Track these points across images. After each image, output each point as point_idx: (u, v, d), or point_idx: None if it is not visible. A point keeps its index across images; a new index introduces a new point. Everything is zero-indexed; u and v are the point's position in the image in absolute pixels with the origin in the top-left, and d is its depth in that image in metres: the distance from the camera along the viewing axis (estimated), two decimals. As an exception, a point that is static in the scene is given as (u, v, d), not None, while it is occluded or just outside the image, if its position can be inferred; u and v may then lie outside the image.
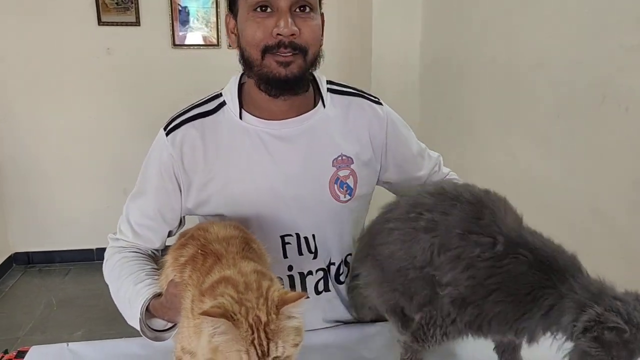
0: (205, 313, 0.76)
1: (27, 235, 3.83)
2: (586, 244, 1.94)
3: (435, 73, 3.21)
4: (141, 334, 1.12)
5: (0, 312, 3.26)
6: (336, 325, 1.32)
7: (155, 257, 1.28)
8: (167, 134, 1.21)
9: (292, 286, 1.26)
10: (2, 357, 1.17)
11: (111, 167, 3.76)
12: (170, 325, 1.12)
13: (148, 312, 1.11)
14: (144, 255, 1.25)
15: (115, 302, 1.19)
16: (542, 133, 2.16)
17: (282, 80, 1.14)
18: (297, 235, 1.24)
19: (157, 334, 1.13)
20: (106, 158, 3.79)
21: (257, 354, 0.76)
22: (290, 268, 1.25)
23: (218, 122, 1.22)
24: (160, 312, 1.09)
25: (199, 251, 0.96)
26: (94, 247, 3.71)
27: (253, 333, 0.76)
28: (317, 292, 1.28)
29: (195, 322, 0.83)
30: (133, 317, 1.11)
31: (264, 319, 0.77)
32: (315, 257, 1.26)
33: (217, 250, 0.94)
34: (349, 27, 3.68)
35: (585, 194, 1.91)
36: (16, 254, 3.84)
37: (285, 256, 1.24)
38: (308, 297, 0.85)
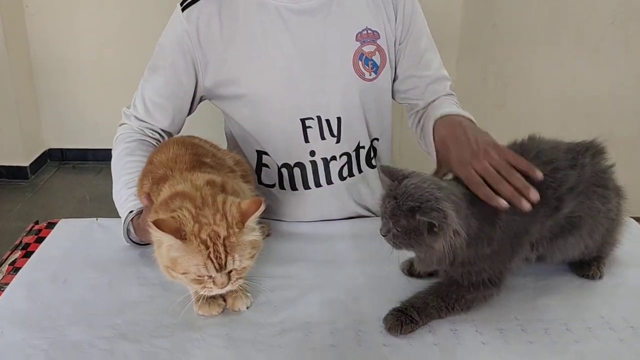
0: (156, 223, 0.78)
1: (62, 133, 3.87)
2: (632, 155, 1.86)
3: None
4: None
5: (36, 204, 3.35)
6: (369, 216, 1.32)
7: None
8: (183, 10, 1.17)
9: (316, 173, 1.24)
10: (33, 227, 1.18)
11: (145, 68, 3.71)
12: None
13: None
14: (146, 146, 1.22)
15: (113, 193, 1.17)
16: (594, 41, 2.03)
17: None
18: (319, 118, 1.20)
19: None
20: (140, 59, 3.71)
21: (215, 266, 0.81)
22: (312, 153, 1.23)
23: None
24: (138, 231, 1.07)
25: (150, 181, 0.97)
26: (126, 146, 3.73)
27: (208, 248, 0.80)
28: (342, 178, 1.27)
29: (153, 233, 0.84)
30: (122, 220, 1.11)
31: (223, 233, 0.80)
32: (338, 142, 1.23)
33: (163, 174, 0.94)
34: None
35: (633, 105, 1.81)
36: (50, 150, 3.90)
37: (306, 141, 1.21)
38: (264, 202, 0.85)
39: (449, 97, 1.29)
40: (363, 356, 0.84)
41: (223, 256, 0.81)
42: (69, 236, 1.16)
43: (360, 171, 1.29)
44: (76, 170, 3.84)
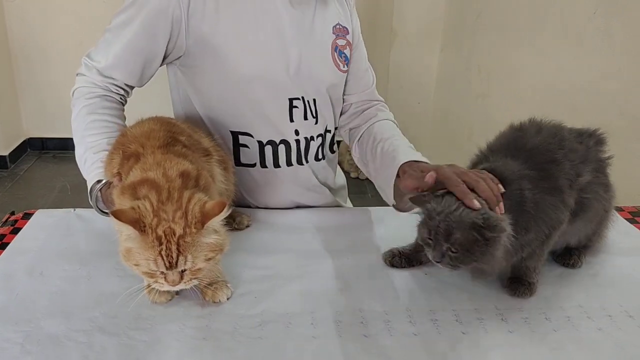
0: (115, 214, 0.77)
1: (42, 121, 3.82)
2: (616, 147, 1.86)
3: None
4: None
5: (16, 194, 3.30)
6: (340, 207, 1.38)
7: (124, 99, 1.22)
8: None
9: (299, 152, 1.26)
10: (9, 217, 1.16)
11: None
12: None
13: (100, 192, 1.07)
14: (109, 102, 1.17)
15: (75, 154, 1.12)
16: (576, 31, 2.03)
17: None
18: (303, 98, 1.23)
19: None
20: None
21: (165, 264, 0.79)
22: (297, 132, 1.25)
23: None
24: (107, 203, 1.05)
25: (121, 155, 0.94)
26: (107, 136, 3.68)
27: (161, 244, 0.78)
28: (317, 159, 1.31)
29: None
30: (88, 185, 1.08)
31: (178, 232, 0.78)
32: (316, 122, 1.28)
33: (134, 150, 0.92)
34: None
35: (616, 96, 1.82)
36: (30, 139, 3.85)
37: (291, 120, 1.23)
38: (231, 206, 0.84)
39: (385, 111, 1.36)
40: (343, 347, 0.83)
41: (174, 255, 0.79)
42: (45, 227, 1.14)
43: (327, 154, 1.35)
44: (56, 159, 3.79)
